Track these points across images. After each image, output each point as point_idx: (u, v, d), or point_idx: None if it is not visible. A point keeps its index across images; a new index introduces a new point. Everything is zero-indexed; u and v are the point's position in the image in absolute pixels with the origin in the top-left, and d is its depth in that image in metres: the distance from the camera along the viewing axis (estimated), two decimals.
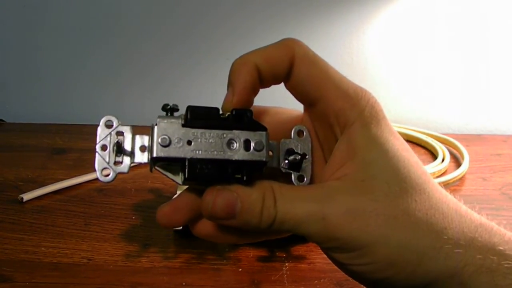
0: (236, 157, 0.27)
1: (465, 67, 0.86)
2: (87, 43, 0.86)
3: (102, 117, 0.27)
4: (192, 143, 0.27)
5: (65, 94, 0.90)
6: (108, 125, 0.27)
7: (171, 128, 0.27)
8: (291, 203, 0.27)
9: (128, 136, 0.28)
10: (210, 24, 0.84)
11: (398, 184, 0.26)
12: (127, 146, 0.27)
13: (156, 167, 0.28)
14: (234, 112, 0.28)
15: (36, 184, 0.62)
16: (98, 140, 0.27)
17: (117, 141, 0.27)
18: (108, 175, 0.27)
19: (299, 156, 0.30)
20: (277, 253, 0.49)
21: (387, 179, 0.26)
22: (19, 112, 0.89)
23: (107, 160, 0.27)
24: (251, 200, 0.27)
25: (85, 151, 0.73)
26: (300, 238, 0.52)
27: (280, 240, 0.51)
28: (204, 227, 0.31)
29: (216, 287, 0.44)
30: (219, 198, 0.27)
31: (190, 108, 0.27)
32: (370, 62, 0.86)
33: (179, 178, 0.28)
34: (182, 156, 0.26)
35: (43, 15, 0.84)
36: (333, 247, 0.27)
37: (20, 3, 0.83)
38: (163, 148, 0.26)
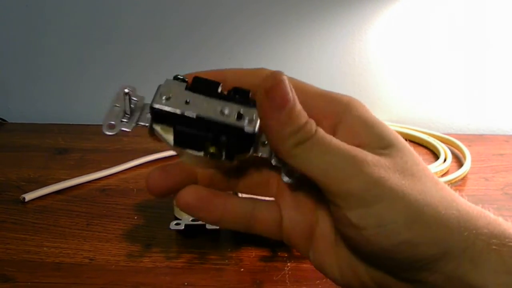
0: (227, 121, 0.28)
1: (467, 67, 0.86)
2: (90, 43, 0.86)
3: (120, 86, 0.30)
4: (190, 103, 0.28)
5: (67, 94, 0.90)
6: (126, 93, 0.29)
7: (174, 87, 0.28)
8: (328, 136, 0.26)
9: (140, 104, 0.30)
10: (211, 25, 0.84)
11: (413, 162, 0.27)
12: (137, 111, 0.30)
13: (154, 127, 0.29)
14: (233, 89, 0.29)
15: (38, 184, 0.62)
16: (114, 99, 0.30)
17: (130, 105, 0.29)
18: (112, 128, 0.29)
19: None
20: (279, 253, 0.49)
21: (402, 154, 0.27)
22: (21, 112, 0.90)
23: (115, 115, 0.29)
24: (301, 109, 0.26)
25: (87, 151, 0.73)
26: None
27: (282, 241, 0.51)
28: (188, 195, 0.29)
29: (218, 287, 0.44)
30: (285, 81, 0.25)
31: (194, 78, 0.29)
32: (372, 62, 0.86)
33: (170, 137, 0.29)
34: (178, 111, 0.28)
35: (45, 15, 0.84)
36: (350, 202, 0.26)
37: (22, 2, 0.84)
38: (163, 100, 0.28)
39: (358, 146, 0.26)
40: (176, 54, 0.86)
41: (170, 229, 0.50)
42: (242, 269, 0.47)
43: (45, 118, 0.87)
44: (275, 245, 0.50)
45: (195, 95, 0.28)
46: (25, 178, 0.65)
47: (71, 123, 0.85)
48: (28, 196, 0.59)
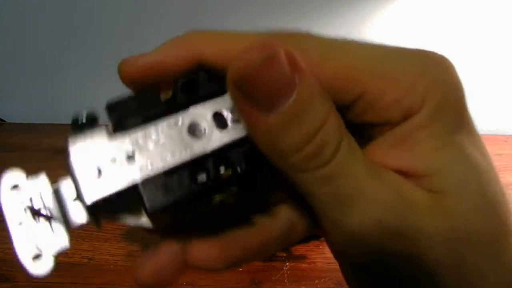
0: (210, 146, 0.17)
1: (466, 67, 0.86)
2: (89, 43, 0.86)
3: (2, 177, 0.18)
4: (136, 157, 0.17)
5: (66, 94, 0.90)
6: (15, 187, 0.18)
7: (93, 148, 0.17)
8: (353, 164, 0.16)
9: (48, 192, 0.18)
10: (209, 23, 0.84)
11: (484, 210, 0.18)
12: (54, 207, 0.18)
13: (105, 218, 0.18)
14: (180, 84, 0.18)
15: None
16: (6, 216, 0.17)
17: (33, 208, 0.17)
18: (40, 261, 0.18)
19: None
20: (277, 253, 0.49)
21: (471, 198, 0.17)
22: (20, 112, 0.89)
23: (32, 241, 0.18)
24: (311, 105, 0.16)
25: None
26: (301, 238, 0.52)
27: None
28: (202, 250, 0.20)
29: (217, 287, 0.44)
30: (273, 62, 0.15)
31: (109, 106, 0.17)
32: None
33: (145, 219, 0.18)
34: (128, 183, 0.16)
35: (42, 15, 0.84)
36: (357, 259, 0.18)
37: (18, 3, 0.84)
38: (95, 185, 0.16)
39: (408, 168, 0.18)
40: None
41: None
42: (241, 269, 0.47)
43: (43, 118, 0.87)
44: None
45: (133, 135, 0.17)
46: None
47: (69, 123, 0.84)
48: None
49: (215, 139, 0.17)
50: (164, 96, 0.18)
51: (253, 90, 0.15)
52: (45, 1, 0.84)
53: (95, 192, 0.16)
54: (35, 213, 0.17)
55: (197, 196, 0.17)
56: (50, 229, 0.18)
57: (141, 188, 0.16)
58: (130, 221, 0.18)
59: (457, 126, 0.18)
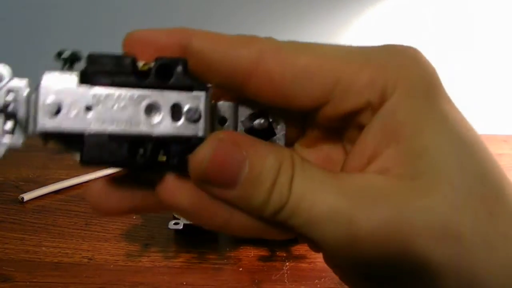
0: (158, 131, 0.19)
1: (463, 67, 0.86)
2: (90, 44, 0.86)
3: None
4: (93, 110, 0.18)
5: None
6: None
7: (62, 86, 0.18)
8: (311, 188, 0.18)
9: (22, 94, 0.19)
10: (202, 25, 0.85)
11: (467, 188, 0.18)
12: (21, 110, 0.19)
13: (52, 142, 0.20)
14: (157, 65, 0.19)
15: (37, 184, 0.62)
16: None
17: (6, 102, 0.19)
18: None
19: (268, 121, 0.21)
20: (277, 253, 0.49)
21: (450, 179, 0.17)
22: None
23: None
24: (264, 167, 0.18)
25: None
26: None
27: (280, 240, 0.51)
28: (180, 192, 0.20)
29: (217, 287, 0.44)
30: (220, 152, 0.18)
31: (89, 56, 0.19)
32: None
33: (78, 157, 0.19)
34: (77, 129, 0.18)
35: (42, 14, 0.84)
36: (352, 270, 0.19)
37: (22, 2, 0.84)
38: (51, 117, 0.18)
39: (381, 167, 0.19)
40: None
41: (169, 228, 0.50)
42: (241, 269, 0.47)
43: None
44: (274, 245, 0.50)
45: (98, 91, 0.18)
46: (24, 178, 0.65)
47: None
48: (27, 196, 0.59)
49: (165, 127, 0.19)
50: (141, 68, 0.19)
51: (213, 180, 0.18)
52: (45, 1, 0.84)
53: (47, 124, 0.18)
54: (2, 106, 0.19)
55: (127, 167, 0.20)
56: (12, 124, 0.20)
57: (85, 138, 0.18)
58: (69, 152, 0.19)
59: (433, 102, 0.19)
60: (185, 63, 0.19)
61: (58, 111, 0.18)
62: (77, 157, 0.19)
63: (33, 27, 0.86)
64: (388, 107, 0.18)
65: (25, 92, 0.19)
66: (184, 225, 0.50)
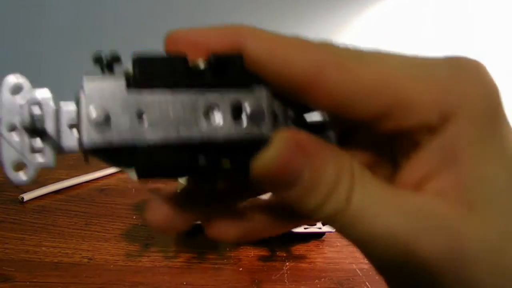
0: (220, 134, 0.17)
1: None
2: (90, 44, 0.86)
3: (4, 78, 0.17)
4: (146, 117, 0.16)
5: (65, 94, 0.90)
6: (15, 91, 0.17)
7: (108, 93, 0.16)
8: (370, 203, 0.18)
9: (48, 106, 0.17)
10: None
11: None
12: (49, 123, 0.17)
13: (95, 156, 0.17)
14: (213, 60, 0.17)
15: (37, 184, 0.62)
16: (2, 116, 0.17)
17: (33, 117, 0.17)
18: (23, 170, 0.18)
19: (322, 120, 0.19)
20: (277, 253, 0.49)
21: (507, 212, 0.17)
22: None
23: (19, 148, 0.17)
24: (324, 174, 0.18)
25: None
26: (301, 238, 0.53)
27: (280, 240, 0.51)
28: (227, 227, 0.21)
29: (217, 287, 0.44)
30: (286, 155, 0.17)
31: (137, 59, 0.17)
32: None
33: (133, 173, 0.17)
34: (130, 140, 0.16)
35: (42, 16, 0.84)
36: (401, 285, 0.19)
37: (19, 2, 0.83)
38: (98, 129, 0.16)
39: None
40: None
41: None
42: (241, 269, 0.47)
43: None
44: (274, 245, 0.50)
45: (150, 96, 0.17)
46: None
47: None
48: (27, 196, 0.59)
49: (227, 129, 0.17)
50: (193, 67, 0.17)
51: (274, 182, 0.18)
52: (46, 1, 0.84)
53: (95, 138, 0.16)
54: (30, 122, 0.17)
55: (190, 175, 0.17)
56: (40, 143, 0.17)
57: (140, 150, 0.16)
58: (120, 168, 0.18)
59: (495, 129, 0.18)
60: (241, 59, 0.18)
61: (106, 121, 0.16)
62: (130, 172, 0.17)
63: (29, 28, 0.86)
64: (449, 130, 0.18)
65: (51, 103, 0.17)
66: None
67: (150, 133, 0.16)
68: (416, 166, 0.19)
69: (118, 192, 0.62)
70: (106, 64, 0.17)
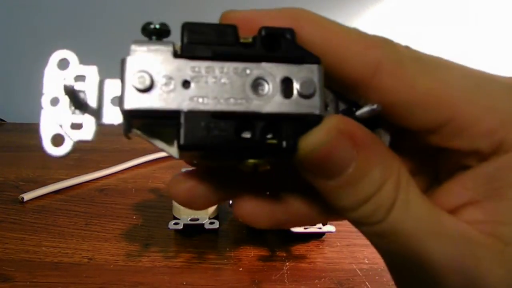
0: (268, 108, 0.16)
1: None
2: (91, 44, 0.86)
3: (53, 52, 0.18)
4: (192, 85, 0.16)
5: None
6: (63, 66, 0.18)
7: (154, 59, 0.16)
8: (410, 221, 0.17)
9: (93, 83, 0.17)
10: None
11: None
12: (91, 98, 0.17)
13: (135, 131, 0.17)
14: (263, 33, 0.17)
15: (37, 184, 0.62)
16: (45, 88, 0.18)
17: (74, 91, 0.17)
18: (61, 144, 0.18)
19: (379, 107, 0.18)
20: (277, 253, 0.49)
21: None
22: (20, 112, 0.89)
23: (59, 121, 0.17)
24: (368, 176, 0.17)
25: (85, 151, 0.73)
26: (301, 238, 0.53)
27: (280, 240, 0.51)
28: (252, 207, 0.20)
29: (217, 287, 0.44)
30: (335, 143, 0.16)
31: (187, 26, 0.16)
32: None
33: (174, 149, 0.17)
34: (174, 107, 0.16)
35: (43, 16, 0.84)
36: None
37: (17, 2, 0.83)
38: (141, 94, 0.16)
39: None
40: None
41: (169, 228, 0.50)
42: (241, 269, 0.47)
43: None
44: (274, 245, 0.50)
45: (198, 64, 0.16)
46: (24, 178, 0.65)
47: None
48: (27, 196, 0.59)
49: (275, 103, 0.16)
50: (243, 39, 0.17)
51: (314, 167, 0.17)
52: (47, 2, 0.84)
53: (137, 101, 0.16)
54: (72, 94, 0.17)
55: (234, 151, 0.16)
56: (81, 116, 0.17)
57: (183, 118, 0.16)
58: (159, 144, 0.17)
59: None
60: (293, 33, 0.17)
61: (150, 86, 0.16)
62: (169, 148, 0.17)
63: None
64: (500, 161, 0.17)
65: (96, 79, 0.17)
66: (184, 225, 0.50)
67: (194, 101, 0.16)
68: (457, 188, 0.19)
69: (118, 192, 0.62)
70: (155, 32, 0.17)
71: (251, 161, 0.17)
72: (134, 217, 0.56)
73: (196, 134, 0.16)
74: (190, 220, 0.50)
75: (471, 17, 0.83)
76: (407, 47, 0.18)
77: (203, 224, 0.50)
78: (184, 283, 0.45)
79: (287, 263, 0.48)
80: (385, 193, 0.17)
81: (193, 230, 0.51)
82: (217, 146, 0.16)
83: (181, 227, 0.50)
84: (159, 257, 0.48)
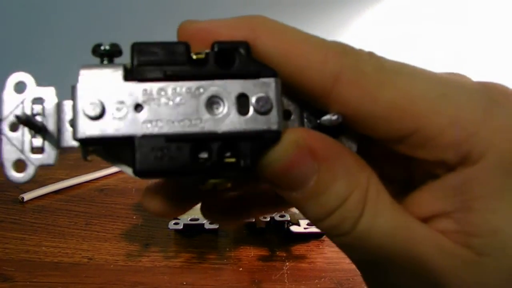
0: (224, 127, 0.16)
1: (464, 66, 0.86)
2: (87, 43, 0.86)
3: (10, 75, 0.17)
4: (145, 109, 0.16)
5: (65, 94, 0.90)
6: (20, 88, 0.17)
7: (104, 85, 0.16)
8: (377, 234, 0.17)
9: (50, 104, 0.17)
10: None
11: None
12: (50, 121, 0.17)
13: (93, 155, 0.17)
14: (216, 48, 0.16)
15: (37, 184, 0.62)
16: (4, 113, 0.17)
17: (29, 117, 0.16)
18: (24, 170, 0.17)
19: (339, 117, 0.17)
20: (277, 253, 0.49)
21: None
22: None
23: (20, 146, 0.17)
24: (330, 190, 0.17)
25: None
26: (301, 238, 0.52)
27: (280, 240, 0.51)
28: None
29: (217, 287, 0.44)
30: (296, 159, 0.16)
31: (136, 47, 0.16)
32: None
33: (130, 169, 0.17)
34: (127, 133, 0.15)
35: (43, 15, 0.84)
36: None
37: (20, 3, 0.83)
38: (93, 121, 0.15)
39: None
40: None
41: (169, 228, 0.50)
42: (241, 269, 0.47)
43: None
44: (274, 245, 0.50)
45: (149, 86, 0.16)
46: None
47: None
48: (27, 196, 0.59)
49: (231, 122, 0.16)
50: (197, 57, 0.16)
51: (278, 182, 0.17)
52: (47, 2, 0.84)
53: (89, 129, 0.15)
54: (28, 122, 0.16)
55: (191, 174, 0.16)
56: (41, 140, 0.17)
57: (137, 144, 0.16)
58: (118, 166, 0.17)
59: None
60: (247, 47, 0.16)
61: (101, 113, 0.15)
62: (128, 170, 0.17)
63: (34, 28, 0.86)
64: (468, 173, 0.17)
65: (54, 101, 0.17)
66: (184, 225, 0.50)
67: (148, 125, 0.15)
68: (429, 197, 0.18)
69: (118, 192, 0.62)
70: (105, 54, 0.16)
71: (211, 181, 0.16)
72: (134, 217, 0.56)
73: (151, 160, 0.15)
74: (190, 220, 0.50)
75: (470, 17, 0.83)
76: (370, 54, 0.17)
77: (203, 224, 0.50)
78: (184, 283, 0.45)
79: (287, 263, 0.48)
80: (350, 206, 0.17)
81: (193, 230, 0.51)
82: (173, 170, 0.16)
83: (181, 227, 0.50)
84: (159, 257, 0.48)
